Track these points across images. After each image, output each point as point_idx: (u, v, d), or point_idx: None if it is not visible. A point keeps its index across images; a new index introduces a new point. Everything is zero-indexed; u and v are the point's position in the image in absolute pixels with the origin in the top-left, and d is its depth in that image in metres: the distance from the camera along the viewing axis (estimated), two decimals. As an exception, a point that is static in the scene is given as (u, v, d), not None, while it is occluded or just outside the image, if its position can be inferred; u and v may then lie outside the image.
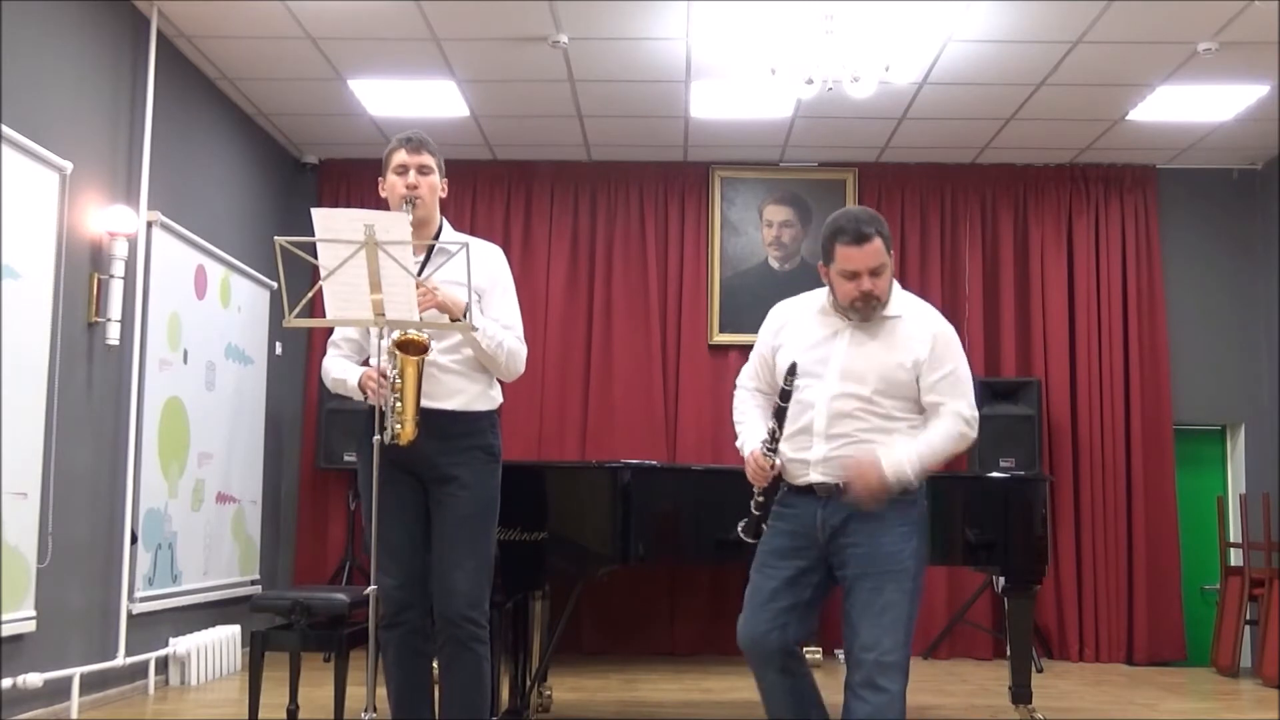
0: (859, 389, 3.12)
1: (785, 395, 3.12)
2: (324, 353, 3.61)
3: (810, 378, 3.15)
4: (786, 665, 3.16)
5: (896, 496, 3.10)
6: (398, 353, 3.16)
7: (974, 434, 3.19)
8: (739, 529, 3.25)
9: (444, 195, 3.55)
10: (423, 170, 3.45)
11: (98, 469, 5.27)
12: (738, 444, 3.33)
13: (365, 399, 3.34)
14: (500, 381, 3.58)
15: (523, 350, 3.54)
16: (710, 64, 6.20)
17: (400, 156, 3.46)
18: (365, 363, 3.51)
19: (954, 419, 3.14)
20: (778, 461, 3.17)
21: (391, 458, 3.24)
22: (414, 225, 3.35)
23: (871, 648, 3.01)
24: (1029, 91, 6.54)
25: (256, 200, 7.19)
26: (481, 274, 3.47)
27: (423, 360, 3.21)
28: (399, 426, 3.17)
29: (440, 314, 3.27)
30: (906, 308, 3.21)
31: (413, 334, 3.18)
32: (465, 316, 3.26)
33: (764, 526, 3.25)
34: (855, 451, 3.09)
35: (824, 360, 3.16)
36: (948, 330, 3.20)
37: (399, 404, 3.17)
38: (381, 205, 3.43)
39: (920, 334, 3.15)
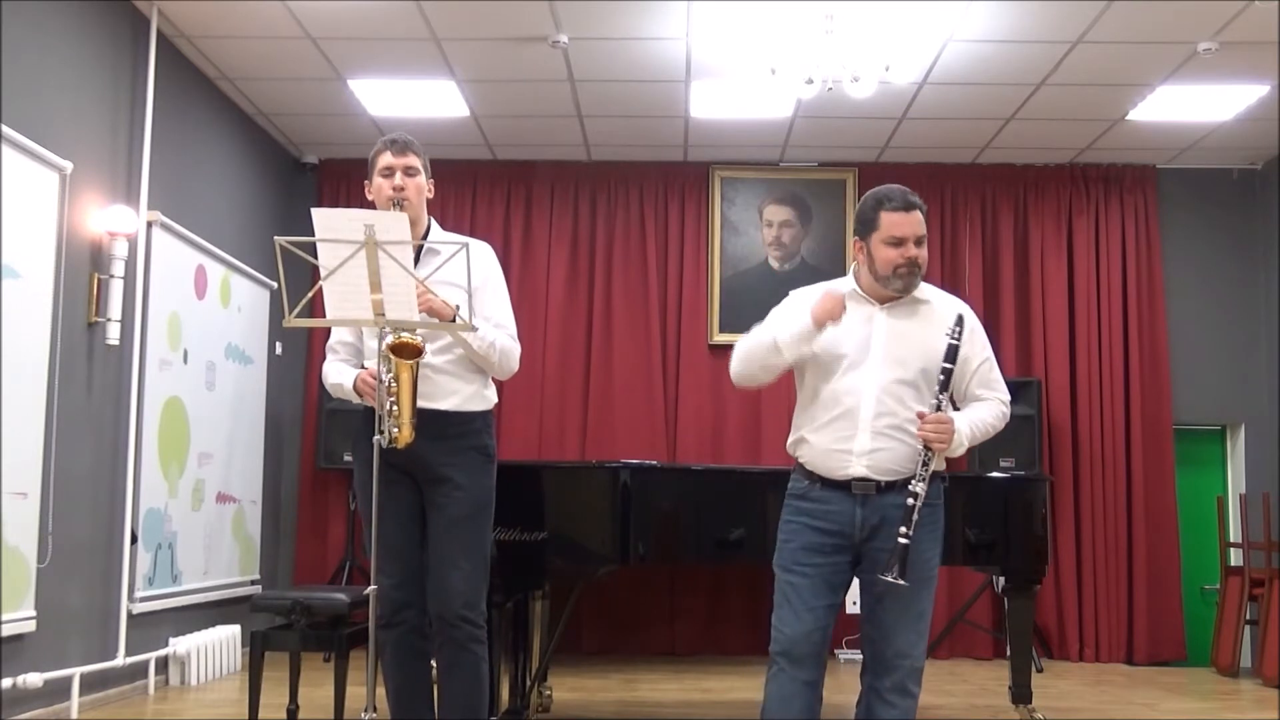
0: (903, 374, 3.05)
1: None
2: (324, 354, 3.63)
3: (851, 364, 3.05)
4: (816, 675, 3.06)
5: (929, 500, 3.02)
6: (392, 357, 3.15)
7: (1008, 418, 3.20)
8: (888, 575, 2.88)
9: (430, 195, 3.54)
10: (409, 172, 3.44)
11: (98, 469, 5.27)
12: (782, 337, 3.03)
13: (363, 401, 3.35)
14: (496, 381, 3.58)
15: (516, 348, 3.54)
16: (710, 64, 6.20)
17: (386, 159, 3.45)
18: (362, 366, 3.50)
19: (998, 404, 3.16)
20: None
21: (388, 458, 3.24)
22: None
23: (907, 654, 3.02)
24: (1029, 91, 6.53)
25: (256, 200, 7.19)
26: (473, 272, 3.44)
27: (417, 364, 3.20)
28: (396, 430, 3.17)
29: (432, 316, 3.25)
30: (935, 294, 3.18)
31: (405, 337, 3.16)
32: (456, 319, 3.25)
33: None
34: (897, 446, 3.01)
35: (864, 346, 3.06)
36: (974, 318, 3.16)
37: (395, 407, 3.17)
38: (370, 208, 3.42)
39: (952, 317, 3.08)
